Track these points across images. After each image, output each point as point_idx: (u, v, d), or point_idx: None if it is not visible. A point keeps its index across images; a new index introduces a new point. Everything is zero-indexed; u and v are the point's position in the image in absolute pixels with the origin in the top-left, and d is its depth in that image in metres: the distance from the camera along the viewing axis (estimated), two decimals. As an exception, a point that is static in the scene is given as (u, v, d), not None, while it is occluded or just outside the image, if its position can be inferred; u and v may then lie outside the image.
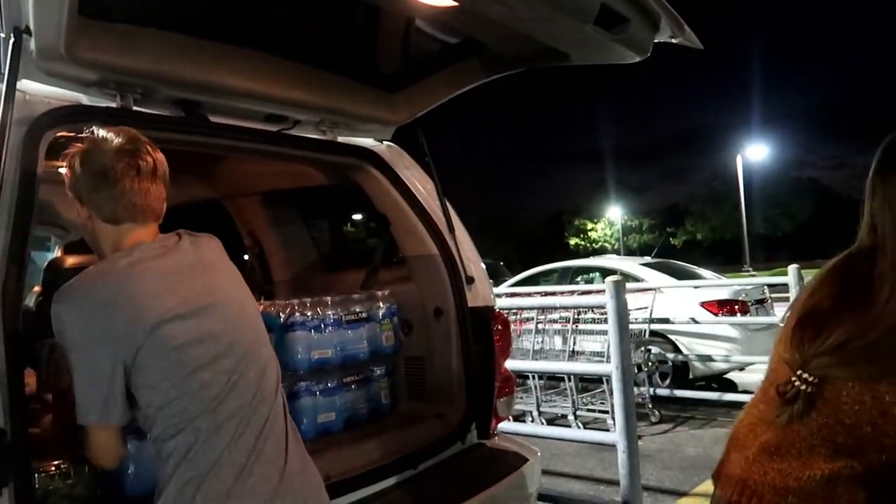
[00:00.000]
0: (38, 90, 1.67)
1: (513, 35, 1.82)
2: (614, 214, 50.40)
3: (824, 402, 0.99)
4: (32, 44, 1.48)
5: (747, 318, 6.75)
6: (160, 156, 1.38)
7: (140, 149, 1.34)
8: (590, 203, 53.26)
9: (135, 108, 1.82)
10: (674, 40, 1.96)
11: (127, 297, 1.24)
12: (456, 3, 1.63)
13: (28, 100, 1.61)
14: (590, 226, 51.42)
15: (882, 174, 1.11)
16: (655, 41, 1.94)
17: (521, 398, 5.71)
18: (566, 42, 1.91)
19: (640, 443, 4.69)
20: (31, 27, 1.43)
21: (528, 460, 2.37)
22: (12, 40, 1.45)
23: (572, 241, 50.86)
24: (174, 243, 1.38)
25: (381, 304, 2.52)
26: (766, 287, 7.42)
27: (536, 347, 5.84)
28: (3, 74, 1.48)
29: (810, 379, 1.01)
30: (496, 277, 10.56)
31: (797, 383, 1.02)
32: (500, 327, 2.51)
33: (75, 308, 1.23)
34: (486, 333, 2.44)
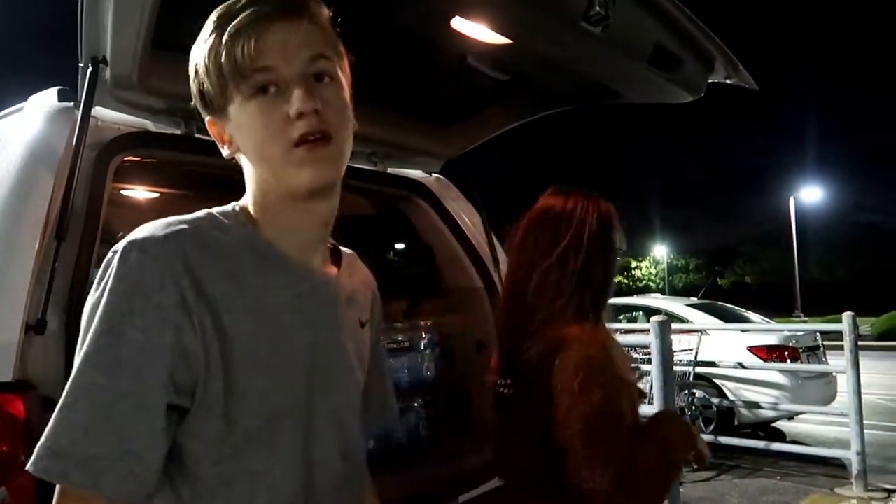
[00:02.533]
0: (109, 116, 1.75)
1: (565, 72, 1.84)
2: (660, 253, 49.63)
3: None
4: (108, 73, 1.56)
5: (798, 366, 6.53)
6: None
7: None
8: (634, 240, 52.57)
9: (196, 135, 1.90)
10: (728, 81, 1.96)
11: None
12: (510, 41, 1.66)
13: (100, 125, 1.70)
14: (634, 264, 50.68)
15: None
16: (710, 81, 1.94)
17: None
18: (619, 81, 1.92)
19: (681, 489, 4.54)
20: (108, 58, 1.51)
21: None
22: (90, 69, 1.53)
23: (616, 280, 50.05)
24: None
25: (423, 335, 2.53)
26: (818, 334, 7.18)
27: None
28: (80, 101, 1.57)
29: None
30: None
31: None
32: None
33: None
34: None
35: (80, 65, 1.57)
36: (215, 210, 0.90)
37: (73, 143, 1.53)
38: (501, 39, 1.66)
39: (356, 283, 1.07)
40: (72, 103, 1.67)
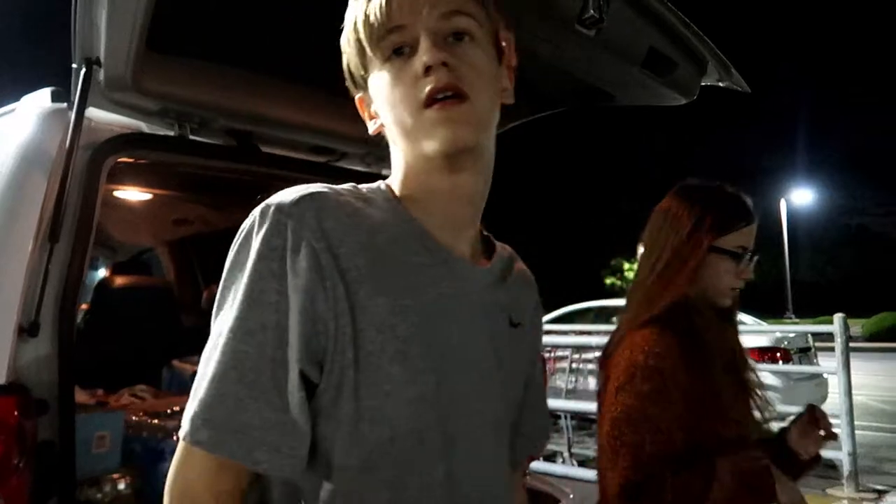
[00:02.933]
0: (103, 117, 1.75)
1: (560, 74, 1.84)
2: (653, 255, 49.80)
3: None
4: (101, 74, 1.56)
5: (790, 367, 6.56)
6: None
7: None
8: (630, 241, 52.74)
9: (191, 137, 1.89)
10: (721, 83, 1.97)
11: None
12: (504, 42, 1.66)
13: (93, 126, 1.69)
14: (626, 265, 50.85)
15: None
16: (702, 84, 1.95)
17: (553, 438, 5.62)
18: (613, 83, 1.93)
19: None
20: (102, 59, 1.51)
21: (559, 501, 2.34)
22: (83, 70, 1.53)
23: (608, 281, 50.28)
24: None
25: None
26: (809, 335, 7.23)
27: (570, 387, 5.77)
28: (73, 102, 1.56)
29: None
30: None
31: None
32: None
33: None
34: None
35: (74, 65, 1.56)
36: (362, 186, 0.85)
37: (67, 144, 1.52)
38: (496, 42, 1.67)
39: (511, 280, 0.94)
40: (65, 104, 1.66)
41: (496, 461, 0.88)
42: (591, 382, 5.84)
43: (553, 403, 5.11)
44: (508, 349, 0.89)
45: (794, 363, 6.67)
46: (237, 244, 0.75)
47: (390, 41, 0.78)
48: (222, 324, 0.72)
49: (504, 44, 0.88)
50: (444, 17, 0.78)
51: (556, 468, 4.77)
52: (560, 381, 5.81)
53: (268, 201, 0.76)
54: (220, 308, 0.74)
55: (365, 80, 0.84)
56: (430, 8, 0.77)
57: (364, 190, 0.84)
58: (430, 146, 0.77)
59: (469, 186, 0.83)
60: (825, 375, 6.86)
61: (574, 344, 5.97)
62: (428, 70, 0.75)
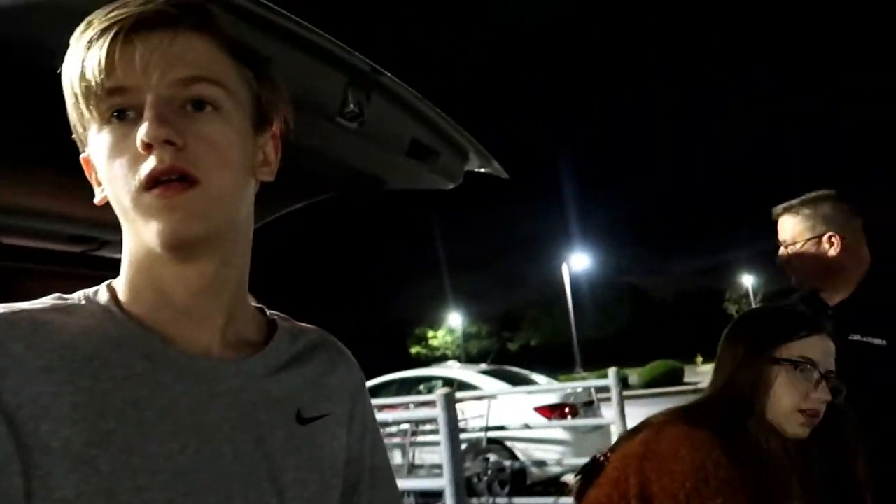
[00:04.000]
0: None
1: (328, 162, 1.88)
2: (455, 321, 51.70)
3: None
4: None
5: (576, 421, 7.07)
6: None
7: None
8: (430, 311, 54.36)
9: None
10: (483, 170, 2.14)
11: None
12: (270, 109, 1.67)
13: None
14: (430, 333, 52.18)
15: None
16: (466, 170, 2.11)
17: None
18: (382, 170, 2.01)
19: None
20: None
21: None
22: None
23: (413, 350, 51.15)
24: None
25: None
26: (593, 389, 7.87)
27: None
28: None
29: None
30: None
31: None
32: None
33: None
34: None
35: None
36: (78, 293, 0.71)
37: None
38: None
39: (301, 366, 0.80)
40: None
41: None
42: (397, 457, 5.80)
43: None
44: (295, 453, 0.74)
45: (581, 417, 7.20)
46: None
47: (110, 103, 0.65)
48: None
49: (269, 110, 0.76)
50: (180, 83, 0.66)
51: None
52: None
53: None
54: None
55: (85, 139, 0.70)
56: (162, 71, 0.65)
57: (75, 297, 0.71)
58: (149, 236, 0.65)
59: (206, 278, 0.70)
60: (608, 425, 7.47)
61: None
62: (147, 148, 0.63)
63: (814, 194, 1.99)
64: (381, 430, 4.48)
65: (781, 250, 1.99)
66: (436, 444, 5.63)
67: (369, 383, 8.80)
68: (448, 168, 2.03)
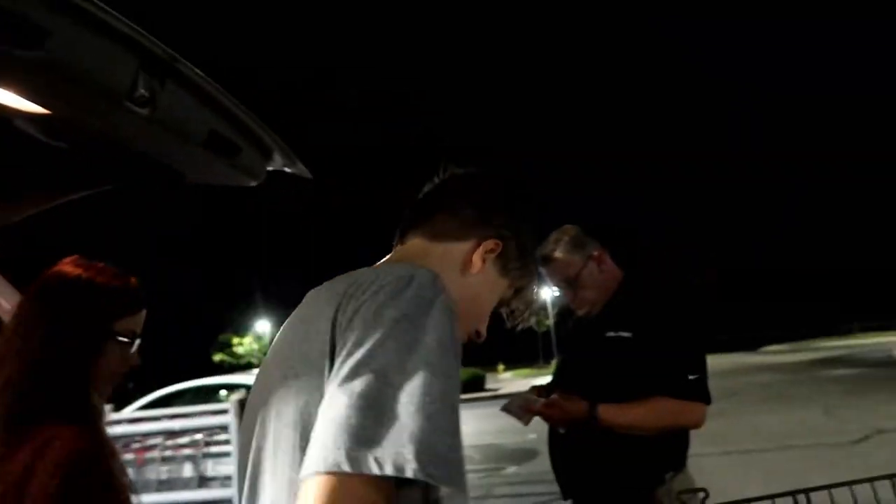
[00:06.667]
0: None
1: (118, 150, 1.76)
2: (262, 328, 49.90)
3: None
4: None
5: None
6: None
7: None
8: (237, 318, 52.04)
9: None
10: (287, 169, 2.13)
11: None
12: (48, 112, 1.53)
13: None
14: (236, 340, 49.88)
15: None
16: (270, 169, 2.08)
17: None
18: (179, 162, 1.92)
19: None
20: None
21: None
22: None
23: (217, 358, 48.60)
24: None
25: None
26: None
27: (163, 478, 5.31)
28: None
29: None
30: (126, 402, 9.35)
31: None
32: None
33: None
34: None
35: None
36: None
37: None
38: (35, 108, 1.52)
39: None
40: None
41: None
42: (188, 470, 5.47)
43: (145, 499, 4.63)
44: None
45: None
46: (406, 298, 0.83)
47: None
48: (417, 362, 0.76)
49: None
50: None
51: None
52: (152, 473, 5.30)
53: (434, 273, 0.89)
54: (406, 347, 0.78)
55: None
56: None
57: None
58: None
59: None
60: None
61: (166, 430, 5.52)
62: None
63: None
64: (173, 441, 4.21)
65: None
66: (230, 454, 5.41)
67: (161, 392, 8.23)
68: (250, 165, 1.98)
